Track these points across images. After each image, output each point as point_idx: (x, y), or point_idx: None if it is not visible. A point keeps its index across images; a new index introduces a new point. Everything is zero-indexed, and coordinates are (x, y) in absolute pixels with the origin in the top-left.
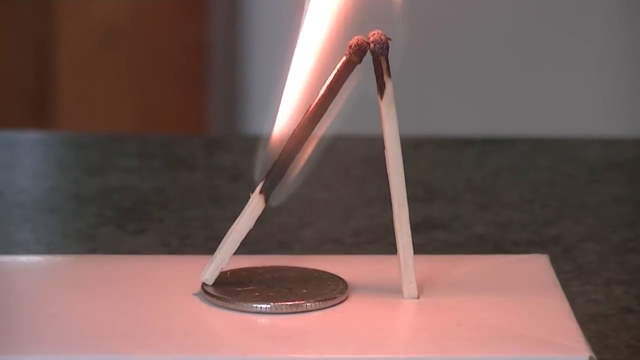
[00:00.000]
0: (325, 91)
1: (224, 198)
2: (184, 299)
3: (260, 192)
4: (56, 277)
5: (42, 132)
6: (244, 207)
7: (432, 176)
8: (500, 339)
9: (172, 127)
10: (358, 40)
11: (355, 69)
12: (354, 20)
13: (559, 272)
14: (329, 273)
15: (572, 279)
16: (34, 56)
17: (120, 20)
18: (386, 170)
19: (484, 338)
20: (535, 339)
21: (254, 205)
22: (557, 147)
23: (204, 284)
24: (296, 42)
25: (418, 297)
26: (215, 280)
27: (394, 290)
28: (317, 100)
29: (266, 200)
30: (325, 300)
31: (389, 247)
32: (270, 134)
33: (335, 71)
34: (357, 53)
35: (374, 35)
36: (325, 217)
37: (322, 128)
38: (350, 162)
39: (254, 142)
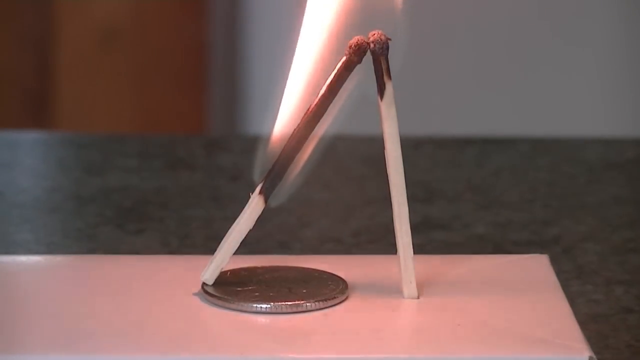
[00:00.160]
0: (325, 91)
1: (224, 198)
2: (184, 299)
3: (260, 192)
4: (56, 277)
5: (42, 132)
6: (244, 207)
7: (432, 176)
8: (500, 339)
9: (172, 127)
10: (358, 40)
11: (355, 69)
12: (354, 20)
13: (559, 272)
14: (329, 273)
15: (572, 279)
16: (34, 56)
17: (120, 20)
18: (386, 170)
19: (484, 338)
20: (535, 339)
21: (254, 206)
22: (557, 147)
23: (204, 284)
24: (296, 42)
25: (418, 297)
26: (215, 280)
27: (394, 290)
28: (317, 100)
29: (266, 201)
30: (325, 300)
31: (389, 247)
32: (270, 134)
33: (335, 71)
34: (357, 53)
35: (374, 35)
36: (325, 217)
37: (322, 128)
38: (350, 162)
39: (254, 142)
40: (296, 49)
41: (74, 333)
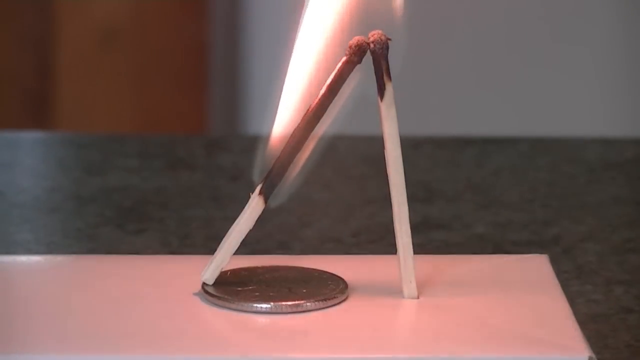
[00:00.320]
0: (325, 91)
1: (224, 198)
2: (184, 299)
3: (260, 192)
4: (56, 277)
5: (42, 132)
6: (244, 207)
7: (432, 176)
8: (500, 339)
9: (172, 127)
10: (358, 40)
11: (355, 69)
12: (354, 20)
13: (559, 272)
14: (329, 273)
15: (572, 279)
16: (34, 56)
17: (121, 20)
18: (386, 170)
19: (484, 338)
20: (535, 339)
21: (254, 206)
22: (557, 147)
23: (204, 284)
24: (296, 42)
25: (418, 297)
26: (216, 280)
27: (394, 290)
28: (317, 100)
29: (266, 201)
30: (325, 300)
31: (389, 247)
32: (270, 134)
33: (335, 71)
34: (357, 53)
35: (374, 35)
36: (325, 217)
37: (322, 128)
38: (350, 162)
39: (254, 142)
40: (296, 49)
41: (74, 333)
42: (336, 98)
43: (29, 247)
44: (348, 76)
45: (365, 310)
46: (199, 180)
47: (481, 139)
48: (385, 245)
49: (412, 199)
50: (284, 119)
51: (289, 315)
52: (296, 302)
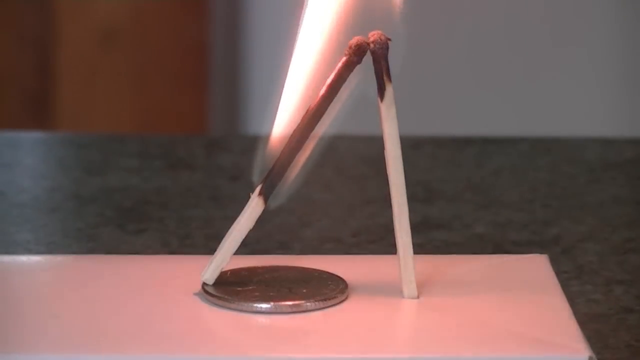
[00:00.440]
0: (325, 91)
1: (224, 198)
2: (184, 299)
3: (260, 193)
4: (56, 277)
5: (42, 132)
6: (244, 207)
7: (432, 176)
8: (500, 339)
9: (172, 127)
10: (358, 40)
11: (355, 69)
12: (354, 20)
13: (559, 272)
14: (329, 273)
15: (572, 279)
16: (34, 56)
17: (121, 20)
18: (386, 170)
19: (484, 338)
20: (535, 339)
21: (254, 206)
22: (557, 147)
23: (204, 284)
24: (296, 42)
25: (418, 297)
26: (216, 280)
27: (394, 290)
28: (317, 100)
29: (266, 202)
30: (325, 300)
31: (389, 247)
32: (269, 135)
33: (335, 71)
34: (357, 53)
35: (374, 35)
36: (325, 217)
37: (322, 128)
38: (350, 162)
39: (254, 142)
40: (296, 49)
41: (73, 333)
42: (336, 98)
43: (29, 247)
44: (348, 76)
45: (365, 310)
46: (199, 180)
47: (481, 139)
48: (385, 245)
49: (412, 199)
50: (284, 119)
51: (289, 315)
52: (296, 302)
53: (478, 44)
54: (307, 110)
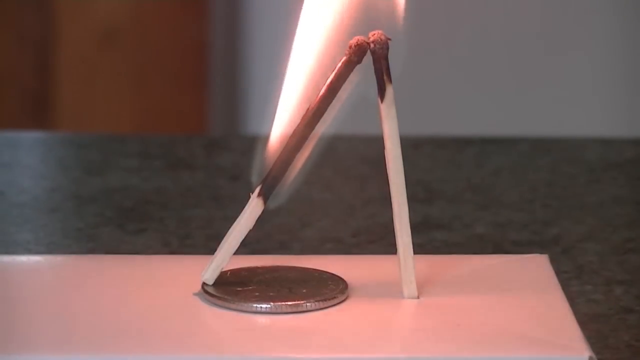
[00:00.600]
0: (325, 91)
1: (224, 198)
2: (184, 299)
3: (259, 194)
4: (56, 277)
5: (42, 132)
6: (244, 207)
7: (432, 176)
8: (500, 339)
9: (172, 127)
10: (358, 40)
11: (355, 69)
12: (354, 20)
13: (559, 272)
14: (329, 273)
15: (572, 279)
16: (34, 56)
17: (121, 20)
18: (386, 170)
19: (484, 338)
20: (535, 339)
21: (253, 207)
22: (557, 147)
23: (204, 284)
24: (296, 42)
25: (418, 297)
26: (216, 280)
27: (394, 290)
28: (316, 100)
29: (265, 202)
30: (325, 300)
31: (389, 247)
32: (269, 135)
33: (335, 71)
34: (357, 53)
35: (374, 35)
36: (325, 217)
37: (322, 128)
38: (350, 162)
39: (254, 142)
40: (296, 49)
41: (73, 333)
42: (336, 98)
43: (29, 247)
44: (348, 76)
45: (365, 310)
46: (199, 180)
47: (481, 139)
48: (385, 245)
49: (412, 199)
50: (284, 119)
51: (289, 315)
52: (296, 302)
53: (478, 44)
54: (307, 110)
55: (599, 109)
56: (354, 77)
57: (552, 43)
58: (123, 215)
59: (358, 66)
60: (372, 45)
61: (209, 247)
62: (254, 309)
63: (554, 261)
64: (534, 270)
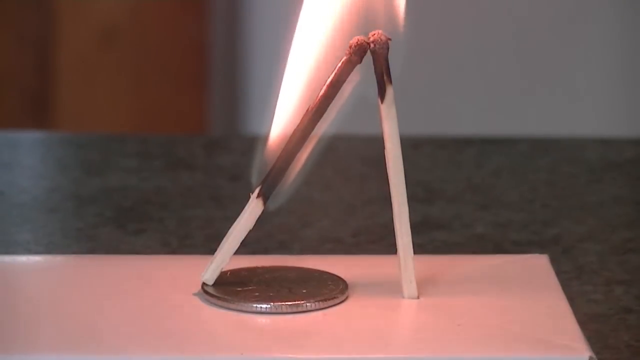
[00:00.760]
0: (325, 91)
1: (224, 198)
2: (184, 299)
3: (259, 195)
4: (56, 277)
5: (42, 132)
6: (244, 207)
7: (432, 176)
8: (500, 339)
9: (172, 127)
10: (358, 40)
11: (355, 69)
12: (354, 20)
13: (559, 272)
14: (329, 273)
15: (572, 279)
16: (34, 56)
17: (120, 20)
18: (386, 170)
19: (484, 338)
20: (535, 339)
21: (253, 207)
22: (557, 147)
23: (204, 284)
24: (296, 42)
25: (418, 297)
26: (216, 280)
27: (394, 290)
28: (316, 100)
29: (265, 203)
30: (325, 300)
31: (389, 247)
32: (269, 134)
33: (335, 71)
34: (357, 53)
35: (374, 35)
36: (325, 217)
37: (322, 128)
38: (350, 162)
39: (254, 142)
40: (296, 49)
41: (74, 333)
42: (336, 98)
43: (29, 247)
44: (348, 76)
45: (365, 310)
46: (199, 180)
47: (481, 139)
48: (385, 245)
49: (412, 199)
50: (284, 119)
51: (289, 315)
52: (296, 302)
53: (478, 44)
54: (307, 110)
55: (599, 109)
56: (354, 77)
57: (552, 43)
58: (123, 215)
59: (358, 66)
60: (372, 45)
61: (209, 247)
62: (254, 309)
63: (554, 261)
64: (534, 270)
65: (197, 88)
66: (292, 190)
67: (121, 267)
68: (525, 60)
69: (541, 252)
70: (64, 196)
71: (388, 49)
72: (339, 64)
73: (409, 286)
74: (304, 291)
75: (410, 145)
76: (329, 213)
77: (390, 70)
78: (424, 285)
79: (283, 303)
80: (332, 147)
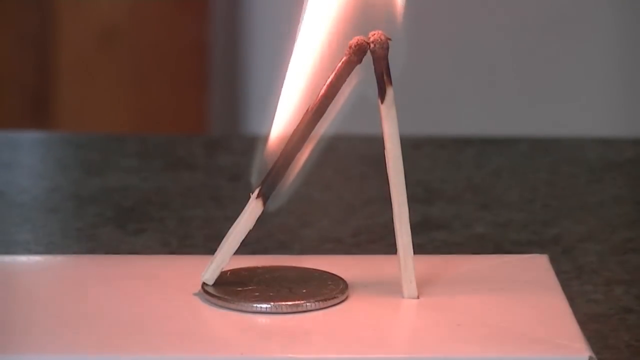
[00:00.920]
0: (324, 91)
1: (224, 198)
2: (184, 299)
3: (258, 195)
4: (56, 277)
5: (42, 132)
6: (244, 207)
7: (432, 176)
8: (500, 339)
9: (172, 127)
10: (358, 40)
11: (355, 69)
12: (354, 20)
13: (559, 272)
14: (329, 273)
15: (572, 279)
16: (34, 56)
17: (120, 20)
18: (386, 170)
19: (484, 338)
20: (535, 339)
21: (253, 208)
22: (557, 147)
23: (204, 284)
24: (296, 42)
25: (418, 297)
26: (216, 280)
27: (394, 290)
28: (316, 100)
29: (265, 203)
30: (325, 300)
31: (389, 247)
32: (269, 134)
33: (335, 71)
34: (357, 53)
35: (374, 35)
36: (325, 217)
37: (322, 128)
38: (350, 162)
39: (254, 142)
40: (296, 49)
41: (74, 333)
42: (336, 98)
43: (29, 247)
44: (348, 76)
45: (365, 310)
46: (199, 180)
47: (481, 139)
48: (385, 245)
49: (412, 199)
50: (284, 119)
51: (289, 315)
52: (296, 302)
53: (478, 44)
54: (307, 110)
55: (599, 109)
56: (354, 77)
57: (552, 43)
58: (123, 215)
59: (358, 66)
60: (372, 45)
61: (209, 247)
62: (254, 309)
63: (554, 261)
64: (534, 270)
65: (197, 88)
66: (292, 190)
67: (121, 267)
68: (525, 60)
69: (541, 252)
70: (64, 196)
71: (388, 49)
72: (339, 64)
73: (409, 286)
74: (304, 291)
75: (410, 145)
76: (329, 213)
77: (390, 70)
78: (424, 285)
79: (283, 303)
80: (332, 147)
